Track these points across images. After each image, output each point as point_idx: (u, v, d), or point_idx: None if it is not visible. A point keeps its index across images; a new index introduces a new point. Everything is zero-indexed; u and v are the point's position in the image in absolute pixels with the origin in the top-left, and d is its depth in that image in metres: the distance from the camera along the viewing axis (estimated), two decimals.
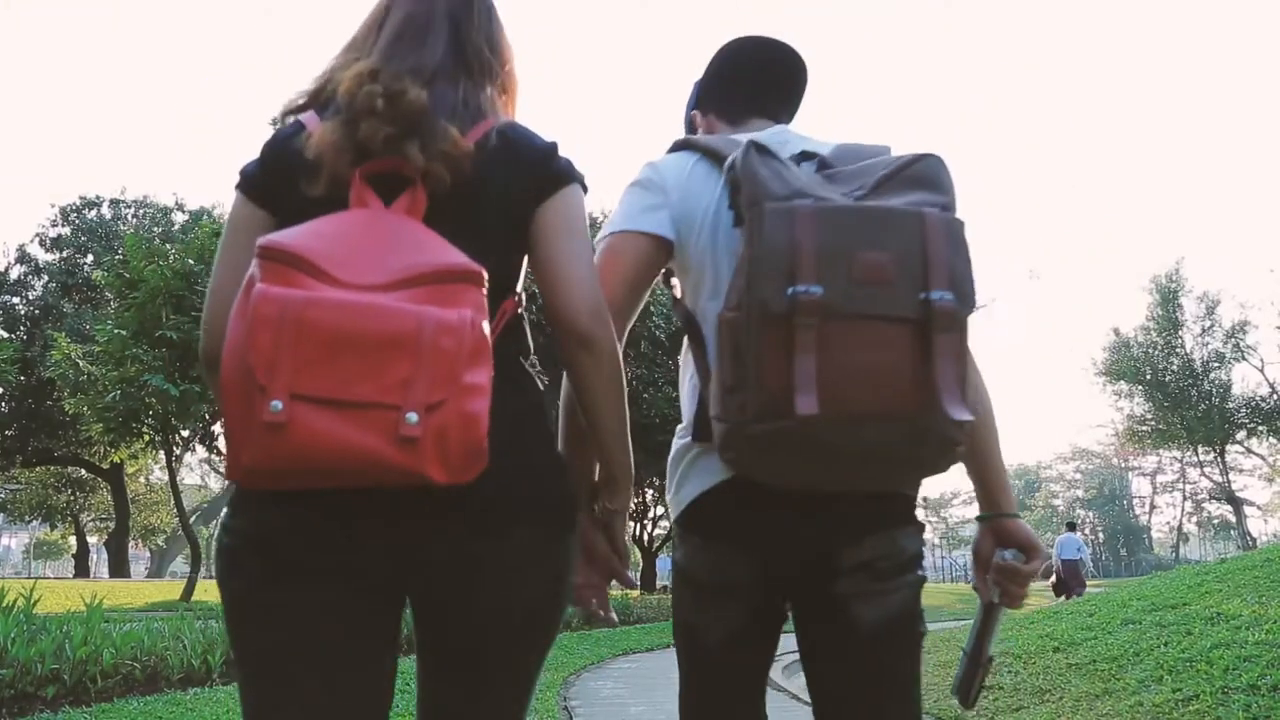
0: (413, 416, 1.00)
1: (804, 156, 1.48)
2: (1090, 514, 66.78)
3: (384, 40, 1.31)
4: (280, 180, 1.25)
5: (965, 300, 1.23)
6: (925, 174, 1.33)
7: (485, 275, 1.12)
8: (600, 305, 1.27)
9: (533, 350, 1.37)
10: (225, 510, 1.23)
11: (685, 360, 1.55)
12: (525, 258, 1.33)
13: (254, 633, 1.18)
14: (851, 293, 1.19)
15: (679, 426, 1.53)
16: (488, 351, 1.07)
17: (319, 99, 1.30)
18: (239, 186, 1.30)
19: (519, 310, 1.32)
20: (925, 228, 1.23)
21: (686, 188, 1.48)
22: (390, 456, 1.00)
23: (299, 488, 1.08)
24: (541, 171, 1.30)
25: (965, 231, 1.28)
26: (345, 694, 1.18)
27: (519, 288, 1.34)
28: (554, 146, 1.33)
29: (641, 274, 1.47)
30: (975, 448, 1.46)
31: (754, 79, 1.68)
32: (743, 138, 1.46)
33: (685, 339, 1.51)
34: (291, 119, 1.31)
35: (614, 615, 1.45)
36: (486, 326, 1.08)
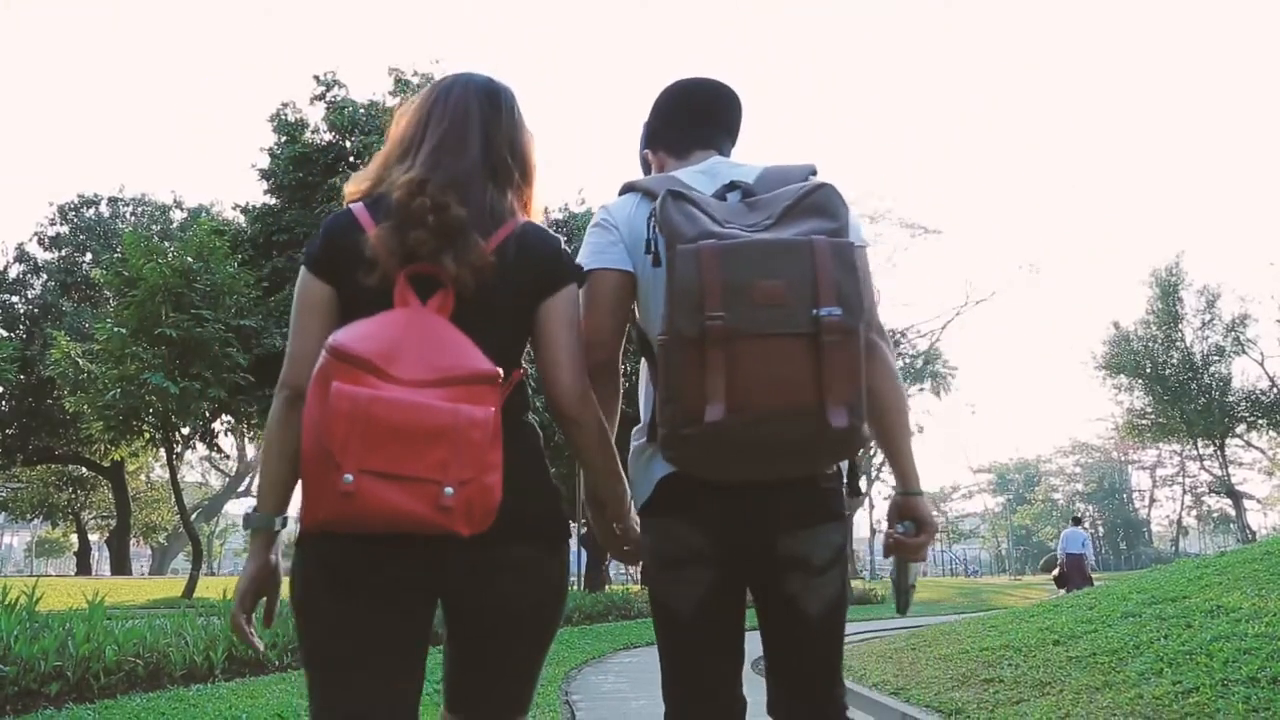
0: (449, 490, 1.33)
1: (731, 186, 1.71)
2: (1090, 508, 66.80)
3: (427, 147, 1.59)
4: (340, 266, 1.53)
5: (853, 313, 1.44)
6: (820, 203, 1.56)
7: (501, 374, 1.42)
8: (586, 389, 1.58)
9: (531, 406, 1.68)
10: (295, 534, 1.52)
11: (642, 372, 1.83)
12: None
13: (315, 626, 1.49)
14: (753, 315, 1.42)
15: (634, 429, 1.79)
16: (500, 435, 1.39)
17: (371, 193, 1.59)
18: (306, 265, 1.57)
19: (521, 378, 1.58)
20: (815, 254, 1.45)
21: (632, 224, 1.73)
22: (431, 518, 1.33)
23: (357, 534, 1.40)
24: (549, 269, 1.59)
25: (854, 253, 1.50)
26: (383, 671, 1.47)
27: (523, 359, 1.64)
28: (559, 245, 1.62)
29: (618, 303, 1.73)
30: (887, 434, 1.68)
31: (694, 117, 1.93)
32: (684, 174, 1.77)
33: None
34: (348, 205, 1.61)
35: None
36: (498, 414, 1.40)
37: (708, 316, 1.42)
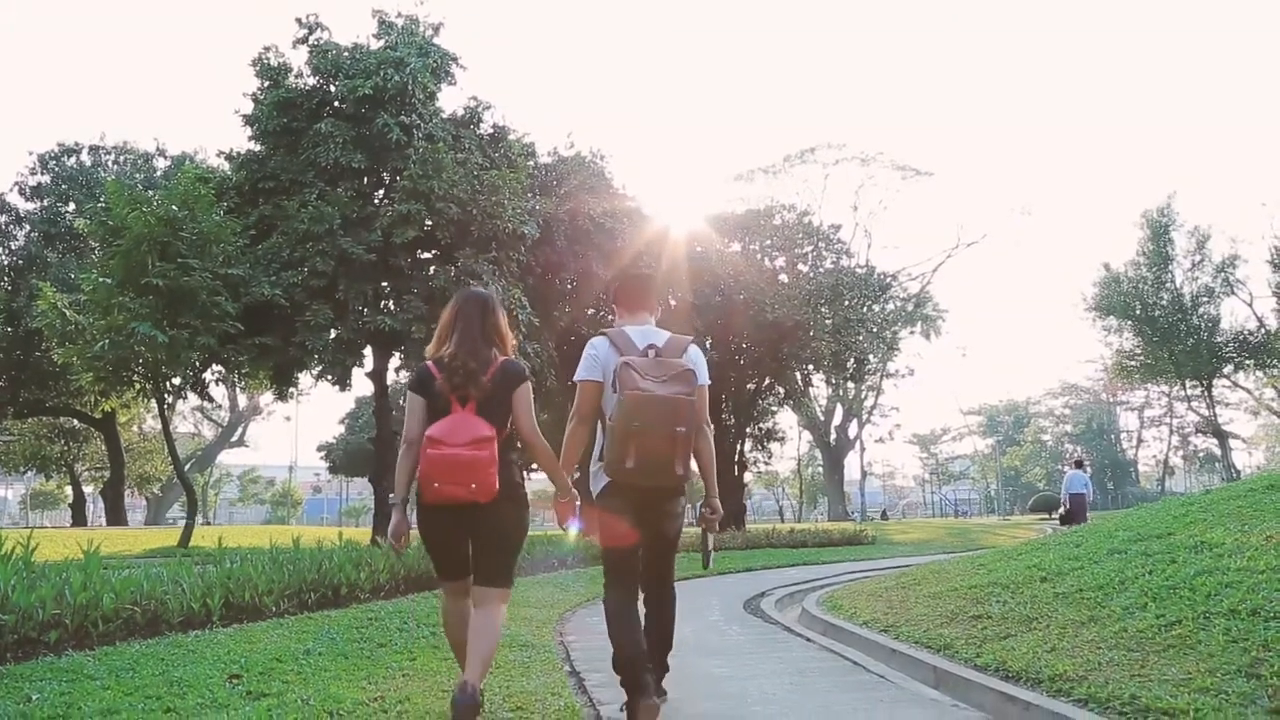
0: (474, 485, 3.36)
1: (650, 346, 3.73)
2: (1078, 448, 67.53)
3: (457, 334, 3.59)
4: (427, 390, 3.56)
5: (690, 428, 3.56)
6: (687, 378, 3.62)
7: (495, 435, 3.42)
8: (535, 432, 3.61)
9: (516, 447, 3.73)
10: (417, 501, 3.53)
11: (599, 431, 3.81)
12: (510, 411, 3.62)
13: (428, 539, 3.59)
14: (652, 425, 3.51)
15: (595, 457, 3.82)
16: (496, 461, 3.40)
17: (434, 356, 3.59)
18: (412, 390, 3.61)
19: (508, 433, 3.56)
20: (679, 406, 3.55)
21: (606, 358, 3.75)
22: (469, 497, 3.37)
23: (440, 504, 3.44)
24: (515, 380, 3.59)
25: (695, 402, 3.62)
26: (455, 555, 3.59)
27: (509, 423, 3.58)
28: (521, 368, 3.65)
29: (595, 397, 3.78)
30: (704, 471, 3.94)
31: (635, 294, 4.03)
32: (630, 331, 3.81)
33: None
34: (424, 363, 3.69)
35: (575, 526, 3.84)
36: (496, 452, 3.42)
37: (632, 423, 3.51)
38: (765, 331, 23.54)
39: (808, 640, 6.44)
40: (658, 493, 3.66)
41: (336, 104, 18.16)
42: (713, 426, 3.88)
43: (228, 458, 61.04)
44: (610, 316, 4.12)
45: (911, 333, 42.08)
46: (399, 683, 4.37)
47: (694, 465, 3.83)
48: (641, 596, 3.85)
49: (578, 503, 3.74)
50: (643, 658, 3.61)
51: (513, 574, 3.59)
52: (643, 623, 3.80)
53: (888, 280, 34.11)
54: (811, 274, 26.37)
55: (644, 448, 3.48)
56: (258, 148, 18.37)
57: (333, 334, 17.48)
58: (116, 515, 33.08)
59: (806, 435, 53.23)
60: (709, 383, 3.87)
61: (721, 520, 3.94)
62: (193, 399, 27.72)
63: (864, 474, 56.40)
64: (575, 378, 3.80)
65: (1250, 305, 40.16)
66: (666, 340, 3.78)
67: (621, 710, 3.68)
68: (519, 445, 3.68)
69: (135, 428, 38.79)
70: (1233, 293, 39.99)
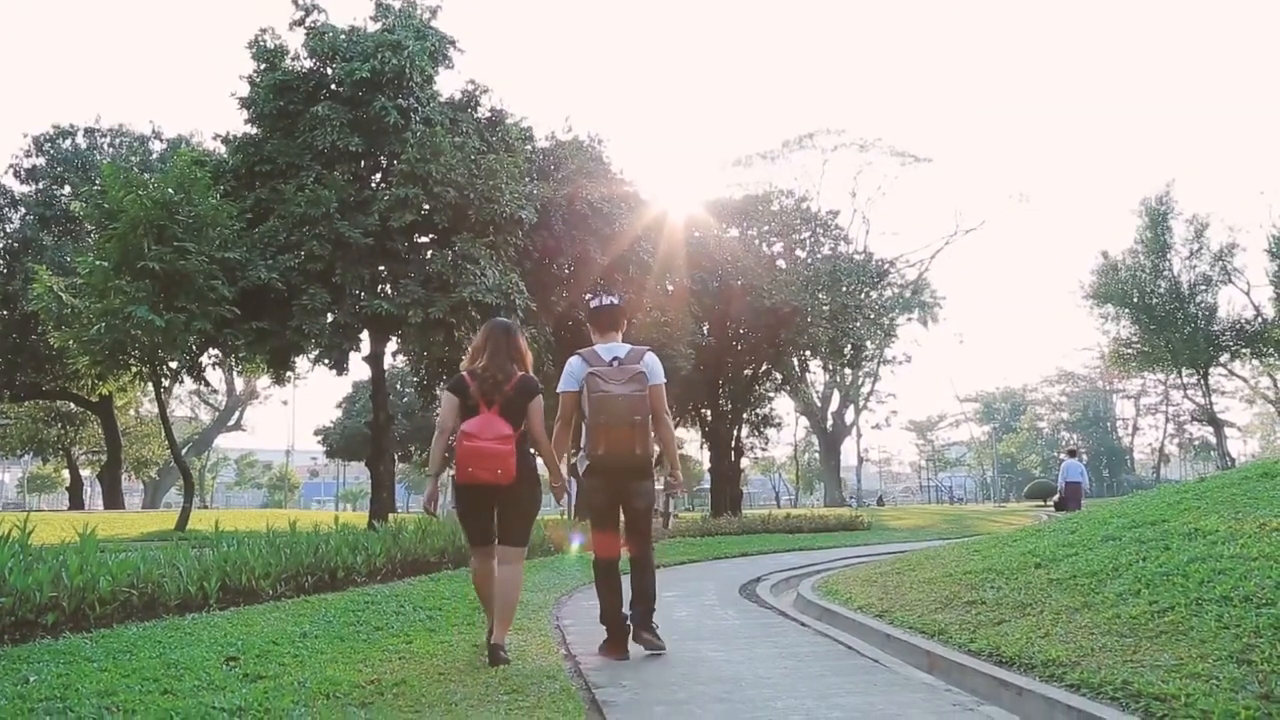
0: (499, 471, 4.40)
1: (615, 358, 4.82)
2: (1074, 436, 67.70)
3: (488, 352, 4.63)
4: (462, 393, 4.59)
5: (646, 416, 4.71)
6: (639, 378, 4.75)
7: (514, 434, 4.48)
8: (543, 434, 4.71)
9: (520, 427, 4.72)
10: (453, 481, 4.61)
11: (583, 426, 4.82)
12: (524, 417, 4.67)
13: (461, 511, 4.68)
14: (615, 419, 4.66)
15: (581, 447, 4.90)
16: (514, 453, 4.45)
17: (470, 368, 4.63)
18: (450, 390, 4.66)
19: (522, 431, 4.60)
20: (634, 401, 4.70)
21: (580, 371, 4.82)
22: (495, 480, 4.42)
23: (471, 484, 4.50)
24: (531, 390, 4.64)
25: (649, 397, 4.75)
26: (484, 525, 4.65)
27: (522, 426, 4.63)
28: (536, 383, 4.69)
29: (574, 404, 4.88)
30: (665, 450, 5.04)
31: (605, 320, 5.03)
32: (599, 349, 4.92)
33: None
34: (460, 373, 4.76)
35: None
36: (514, 447, 4.48)
37: (601, 418, 4.66)
38: (763, 317, 23.52)
39: (803, 625, 6.47)
40: (626, 472, 4.72)
41: (333, 87, 18.06)
42: (672, 417, 5.58)
43: (225, 441, 61.09)
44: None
45: (909, 319, 42.16)
46: (395, 665, 4.39)
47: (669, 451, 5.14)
48: (628, 568, 4.88)
49: (570, 491, 4.96)
50: (619, 607, 4.91)
51: (529, 536, 4.74)
52: (627, 587, 4.86)
53: (885, 266, 34.10)
54: (809, 260, 26.34)
55: (611, 436, 4.62)
56: (254, 131, 18.28)
57: (330, 318, 17.44)
58: (113, 499, 33.10)
59: (803, 421, 53.35)
60: (663, 381, 4.95)
61: (681, 486, 5.39)
62: (189, 383, 27.75)
63: (860, 460, 56.56)
64: (558, 390, 4.84)
65: (1247, 294, 40.26)
66: (627, 352, 4.87)
67: (601, 648, 4.98)
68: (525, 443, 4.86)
69: (132, 411, 38.75)
70: (1230, 281, 40.05)
